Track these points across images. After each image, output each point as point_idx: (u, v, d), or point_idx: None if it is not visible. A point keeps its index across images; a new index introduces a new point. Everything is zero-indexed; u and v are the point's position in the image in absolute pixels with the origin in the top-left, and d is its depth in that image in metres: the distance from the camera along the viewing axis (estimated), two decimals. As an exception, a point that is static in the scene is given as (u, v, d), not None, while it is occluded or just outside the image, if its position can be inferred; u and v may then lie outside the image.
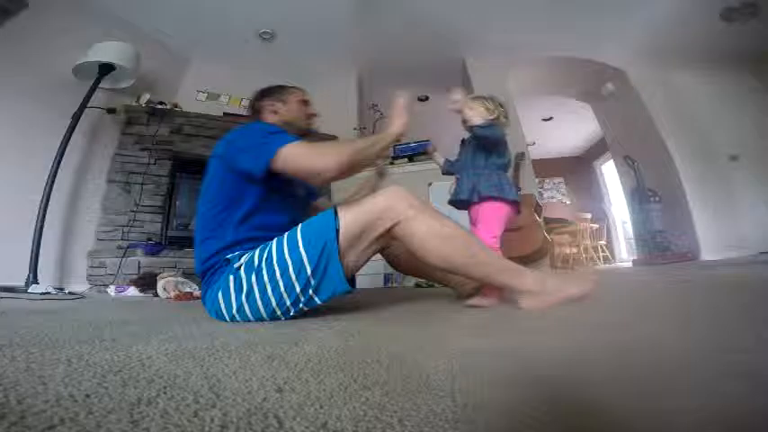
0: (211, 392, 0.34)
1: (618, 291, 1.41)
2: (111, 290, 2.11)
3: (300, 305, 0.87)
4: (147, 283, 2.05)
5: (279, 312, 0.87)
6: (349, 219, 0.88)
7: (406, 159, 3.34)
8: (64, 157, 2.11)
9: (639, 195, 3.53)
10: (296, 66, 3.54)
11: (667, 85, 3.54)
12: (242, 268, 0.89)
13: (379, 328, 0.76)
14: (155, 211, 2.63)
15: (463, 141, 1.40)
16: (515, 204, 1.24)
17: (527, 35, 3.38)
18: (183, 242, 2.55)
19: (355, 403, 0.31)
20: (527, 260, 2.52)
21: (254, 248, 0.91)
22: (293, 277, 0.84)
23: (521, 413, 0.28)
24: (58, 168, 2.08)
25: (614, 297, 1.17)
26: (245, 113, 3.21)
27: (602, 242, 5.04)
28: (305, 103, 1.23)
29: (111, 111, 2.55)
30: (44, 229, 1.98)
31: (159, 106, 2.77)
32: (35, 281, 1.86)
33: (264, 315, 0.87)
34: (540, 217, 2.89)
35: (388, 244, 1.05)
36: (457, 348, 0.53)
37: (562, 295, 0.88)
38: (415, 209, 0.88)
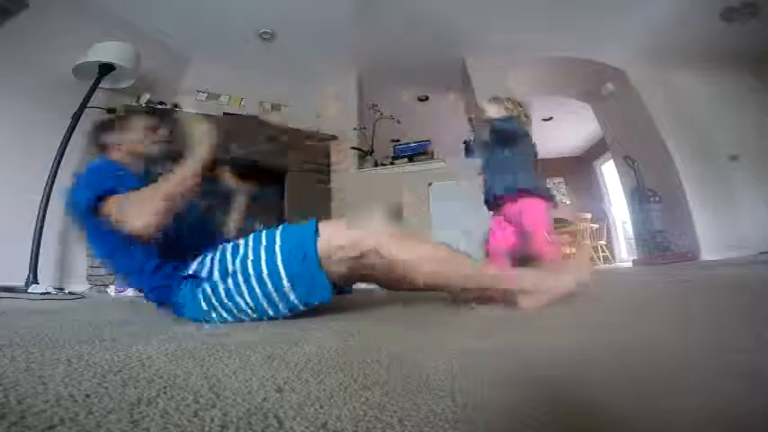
0: (211, 392, 0.34)
1: (618, 291, 1.41)
2: (111, 290, 2.11)
3: (285, 305, 0.86)
4: (147, 283, 2.04)
5: (270, 311, 0.86)
6: (331, 231, 0.87)
7: (406, 159, 3.34)
8: (64, 157, 2.11)
9: (639, 195, 3.53)
10: (296, 66, 3.55)
11: (667, 85, 3.53)
12: (215, 273, 0.87)
13: (379, 328, 0.76)
14: (155, 212, 2.63)
15: (466, 142, 1.41)
16: (551, 199, 1.25)
17: (527, 35, 3.37)
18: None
19: (355, 403, 0.31)
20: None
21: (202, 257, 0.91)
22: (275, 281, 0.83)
23: (521, 413, 0.28)
24: (58, 168, 2.08)
25: (614, 297, 1.17)
26: (244, 113, 3.24)
27: (603, 242, 5.04)
28: (152, 130, 1.19)
29: (111, 111, 2.54)
30: (44, 229, 1.98)
31: (159, 106, 2.76)
32: (35, 281, 1.87)
33: (252, 311, 0.86)
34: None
35: (368, 272, 0.96)
36: (457, 348, 0.53)
37: (559, 291, 0.89)
38: (395, 236, 0.87)
